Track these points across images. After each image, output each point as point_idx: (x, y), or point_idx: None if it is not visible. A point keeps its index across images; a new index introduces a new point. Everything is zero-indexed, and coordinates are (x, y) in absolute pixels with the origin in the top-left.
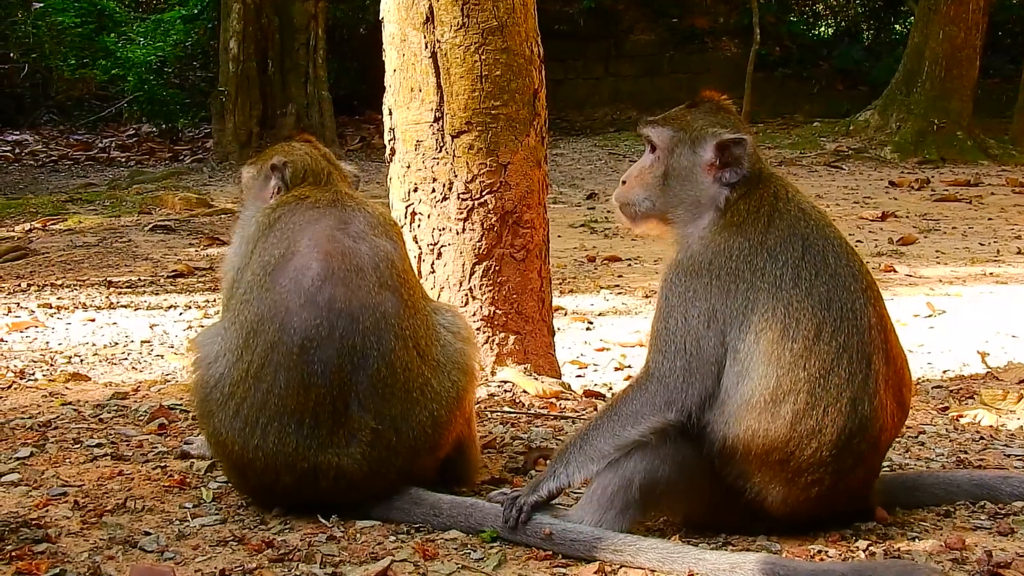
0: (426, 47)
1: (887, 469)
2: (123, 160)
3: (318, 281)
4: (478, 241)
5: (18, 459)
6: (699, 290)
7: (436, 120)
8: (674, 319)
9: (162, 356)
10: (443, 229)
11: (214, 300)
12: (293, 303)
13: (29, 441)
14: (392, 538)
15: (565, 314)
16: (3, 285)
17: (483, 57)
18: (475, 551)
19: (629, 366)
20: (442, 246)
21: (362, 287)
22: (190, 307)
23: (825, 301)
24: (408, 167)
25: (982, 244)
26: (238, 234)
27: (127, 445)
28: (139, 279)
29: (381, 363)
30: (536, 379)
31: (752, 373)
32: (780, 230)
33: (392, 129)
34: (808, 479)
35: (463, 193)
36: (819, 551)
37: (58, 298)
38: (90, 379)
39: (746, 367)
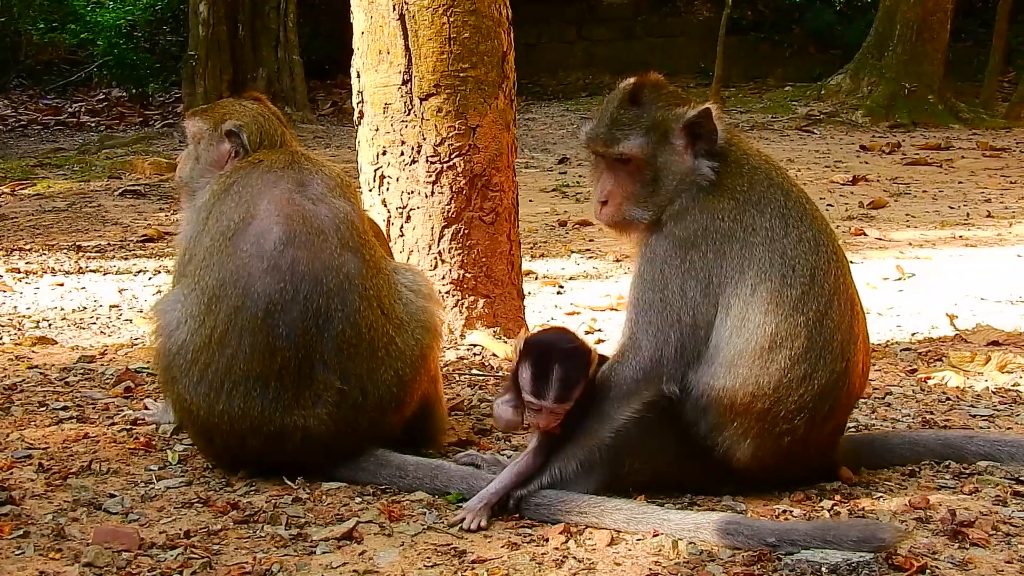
0: (394, 9)
1: (853, 430)
2: (93, 125)
3: (280, 245)
4: (447, 204)
5: None
6: (695, 260)
7: (404, 83)
8: (671, 291)
9: (131, 320)
10: (412, 192)
11: None
12: (255, 268)
13: None
14: (358, 499)
15: (536, 278)
16: None
17: (451, 19)
18: (441, 512)
19: (599, 330)
20: (411, 209)
21: (324, 249)
22: (159, 272)
23: (814, 245)
24: (377, 130)
25: (952, 207)
26: (190, 203)
27: (93, 408)
28: (108, 244)
29: (346, 323)
30: (505, 342)
31: (749, 324)
32: (761, 183)
33: (360, 92)
34: (783, 428)
35: (432, 156)
36: (784, 511)
37: (26, 263)
38: (57, 343)
39: (743, 319)
